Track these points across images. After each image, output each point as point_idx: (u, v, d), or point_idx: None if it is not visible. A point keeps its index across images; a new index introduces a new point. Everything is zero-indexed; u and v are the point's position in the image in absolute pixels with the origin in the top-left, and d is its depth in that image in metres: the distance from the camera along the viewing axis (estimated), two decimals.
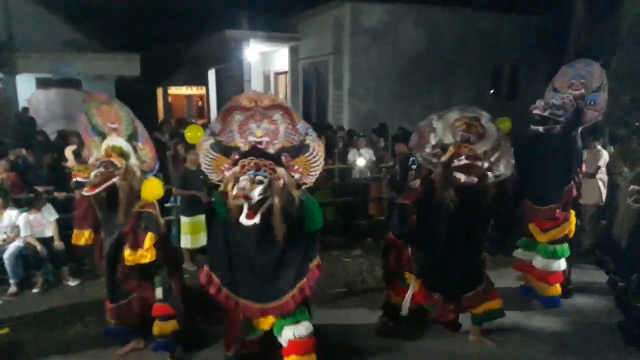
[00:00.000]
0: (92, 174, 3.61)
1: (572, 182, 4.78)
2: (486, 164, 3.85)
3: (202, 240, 6.18)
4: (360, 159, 8.05)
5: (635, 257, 3.97)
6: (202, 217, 6.13)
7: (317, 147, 3.25)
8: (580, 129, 4.80)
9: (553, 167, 4.74)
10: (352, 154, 8.30)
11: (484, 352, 4.10)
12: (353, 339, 4.27)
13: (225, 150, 3.27)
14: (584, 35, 11.43)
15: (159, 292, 3.77)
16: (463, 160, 3.74)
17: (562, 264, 4.89)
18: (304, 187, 3.29)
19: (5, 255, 5.45)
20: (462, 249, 3.95)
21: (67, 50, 14.34)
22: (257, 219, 3.01)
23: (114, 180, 3.62)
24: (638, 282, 3.95)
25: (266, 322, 3.48)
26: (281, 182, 3.13)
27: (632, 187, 3.98)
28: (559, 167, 4.73)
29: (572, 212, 4.90)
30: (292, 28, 13.82)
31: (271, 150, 3.26)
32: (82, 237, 3.87)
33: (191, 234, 6.14)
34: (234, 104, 3.33)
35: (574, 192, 4.85)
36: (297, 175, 3.24)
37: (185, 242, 6.17)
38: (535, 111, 4.75)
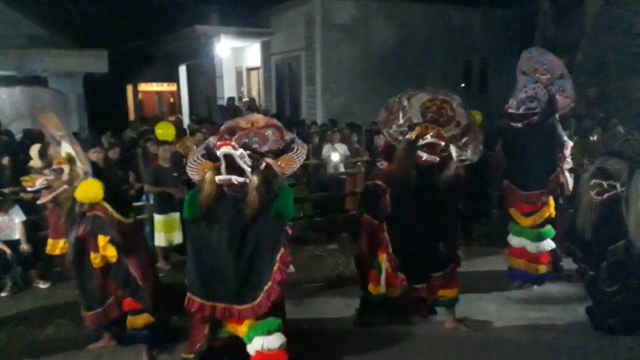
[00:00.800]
0: (38, 182, 3.71)
1: (558, 169, 4.95)
2: (453, 148, 3.90)
3: (177, 238, 6.12)
4: (335, 154, 8.09)
5: (602, 247, 4.07)
6: (175, 215, 6.07)
7: (301, 149, 3.37)
8: (557, 116, 4.94)
9: (536, 155, 4.89)
10: (326, 149, 8.33)
11: (460, 338, 4.17)
12: (329, 332, 4.29)
13: (214, 157, 3.26)
14: (551, 29, 11.68)
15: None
16: (427, 139, 3.79)
17: (549, 244, 5.07)
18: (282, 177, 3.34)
19: None
20: (430, 228, 3.98)
21: (32, 46, 13.90)
22: (234, 178, 3.02)
23: (63, 187, 3.67)
24: (607, 270, 4.06)
25: (237, 328, 3.36)
26: (262, 165, 3.17)
27: (593, 180, 4.07)
28: (542, 154, 4.89)
29: (551, 198, 5.06)
30: (263, 23, 13.72)
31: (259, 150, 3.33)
32: (57, 246, 3.88)
33: (165, 232, 6.06)
34: (232, 124, 3.41)
35: (561, 179, 5.02)
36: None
37: (159, 240, 6.08)
38: (510, 111, 4.87)
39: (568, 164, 6.52)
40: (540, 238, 5.05)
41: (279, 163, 3.31)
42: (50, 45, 14.21)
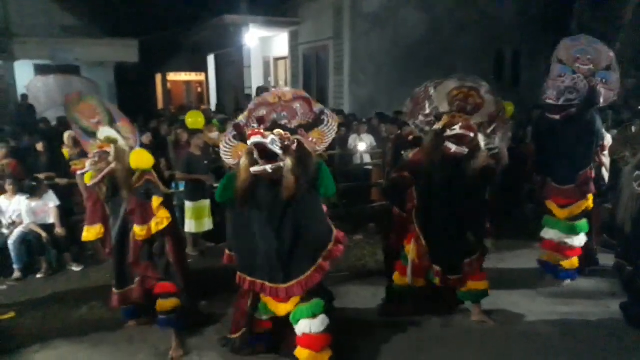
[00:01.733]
0: (88, 163, 3.77)
1: (590, 165, 4.81)
2: (481, 136, 3.82)
3: (206, 225, 6.21)
4: (362, 144, 8.05)
5: None
6: (206, 202, 6.16)
7: (331, 120, 3.36)
8: (596, 109, 4.78)
9: (573, 148, 4.75)
10: (352, 140, 8.29)
11: (486, 330, 4.12)
12: (355, 322, 4.28)
13: (245, 138, 3.29)
14: (587, 19, 11.33)
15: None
16: (456, 130, 3.71)
17: (581, 239, 4.95)
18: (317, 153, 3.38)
19: (10, 241, 5.48)
20: (458, 219, 3.93)
21: (65, 36, 14.24)
22: (268, 167, 3.05)
23: (111, 166, 3.71)
24: None
25: (283, 308, 3.43)
26: (294, 146, 3.20)
27: (636, 172, 3.95)
28: (579, 148, 4.76)
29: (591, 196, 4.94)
30: (291, 12, 13.68)
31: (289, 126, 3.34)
32: (94, 232, 3.95)
33: (195, 219, 6.16)
34: (260, 100, 3.42)
35: (592, 174, 4.88)
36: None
37: (190, 226, 6.17)
38: (548, 101, 4.72)
39: (605, 157, 6.37)
40: (574, 231, 4.93)
41: (311, 139, 3.31)
42: (83, 34, 14.52)
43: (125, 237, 3.81)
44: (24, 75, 14.28)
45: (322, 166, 3.32)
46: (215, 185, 6.13)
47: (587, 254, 5.11)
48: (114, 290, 3.98)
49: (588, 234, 5.03)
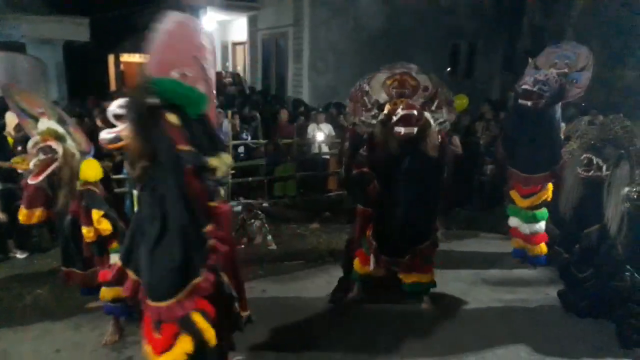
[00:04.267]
0: (32, 164, 3.57)
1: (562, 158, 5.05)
2: (427, 114, 3.96)
3: None
4: (320, 134, 8.09)
5: (578, 230, 4.15)
6: None
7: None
8: (560, 103, 5.07)
9: (539, 138, 5.01)
10: (311, 129, 8.31)
11: (435, 316, 4.27)
12: (308, 310, 4.34)
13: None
14: (538, 16, 11.73)
15: (113, 259, 3.72)
16: (400, 113, 3.81)
17: (542, 226, 5.26)
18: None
19: None
20: (417, 202, 4.01)
21: (11, 11, 13.43)
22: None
23: (56, 164, 3.59)
24: (580, 253, 4.15)
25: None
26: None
27: (583, 155, 4.08)
28: (545, 139, 5.01)
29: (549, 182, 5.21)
30: None
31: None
32: (34, 216, 3.78)
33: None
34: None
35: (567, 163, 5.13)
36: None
37: None
38: (524, 86, 4.94)
39: None
40: (534, 219, 5.23)
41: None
42: (29, 10, 13.75)
43: (76, 229, 3.70)
44: None
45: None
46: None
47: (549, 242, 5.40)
48: (64, 268, 3.90)
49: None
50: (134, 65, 19.31)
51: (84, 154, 3.76)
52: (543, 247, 5.32)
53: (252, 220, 6.06)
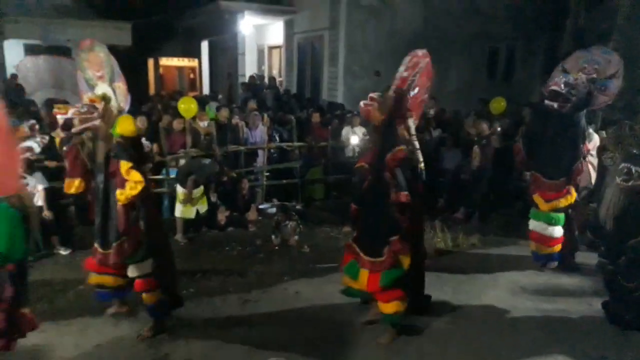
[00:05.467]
0: (71, 112, 3.73)
1: (581, 159, 5.05)
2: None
3: (195, 212, 6.23)
4: (354, 137, 8.06)
5: (622, 241, 4.01)
6: (196, 190, 6.18)
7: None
8: (585, 110, 5.01)
9: (562, 143, 4.96)
10: (345, 132, 8.30)
11: (470, 326, 4.17)
12: (341, 314, 4.32)
13: None
14: (582, 18, 11.37)
15: (131, 271, 3.81)
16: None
17: (557, 231, 5.15)
18: None
19: None
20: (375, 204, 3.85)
21: (57, 16, 14.01)
22: None
23: (95, 122, 3.70)
24: (626, 265, 4.00)
25: None
26: None
27: (622, 165, 3.99)
28: (567, 143, 4.97)
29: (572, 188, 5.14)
30: (287, 1, 13.59)
31: None
32: (72, 185, 3.87)
33: (184, 204, 6.16)
34: None
35: (582, 168, 5.14)
36: None
37: (179, 211, 6.23)
38: (553, 87, 4.89)
39: (593, 157, 6.45)
40: (550, 222, 5.13)
41: None
42: (75, 15, 14.30)
43: (108, 199, 3.77)
44: (14, 55, 14.04)
45: None
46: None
47: (571, 247, 5.34)
48: (98, 249, 3.90)
49: (569, 229, 5.25)
50: (172, 68, 19.81)
51: (121, 112, 3.88)
52: (557, 249, 5.22)
53: (287, 222, 6.09)
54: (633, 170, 3.87)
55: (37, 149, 3.60)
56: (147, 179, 3.90)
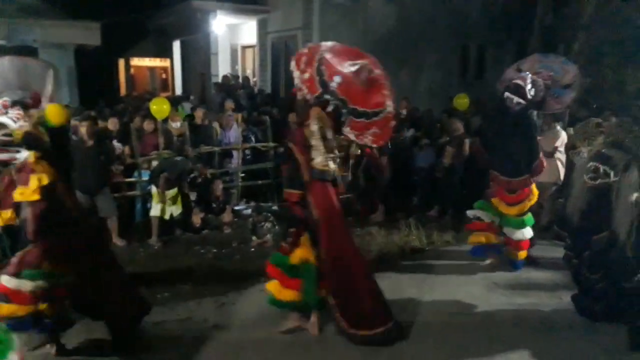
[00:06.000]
0: None
1: (541, 155, 5.13)
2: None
3: (173, 211, 6.22)
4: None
5: (587, 236, 4.10)
6: (172, 191, 6.12)
7: None
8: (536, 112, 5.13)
9: (519, 141, 5.01)
10: None
11: (446, 321, 4.23)
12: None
13: None
14: (550, 17, 11.65)
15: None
16: None
17: (530, 231, 5.24)
18: None
19: None
20: None
21: (23, 16, 13.59)
22: None
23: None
24: (590, 259, 4.10)
25: None
26: None
27: (590, 163, 4.07)
28: (522, 141, 5.01)
29: (534, 186, 5.20)
30: (260, 0, 13.52)
31: None
32: (4, 217, 3.56)
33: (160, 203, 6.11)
34: None
35: (543, 165, 5.20)
36: None
37: (155, 210, 6.15)
38: (518, 81, 4.91)
39: (561, 153, 6.61)
40: (523, 225, 5.18)
41: None
42: (42, 15, 13.91)
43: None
44: None
45: None
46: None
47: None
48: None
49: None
50: (144, 69, 19.50)
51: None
52: (523, 254, 5.26)
53: (262, 223, 6.07)
54: (601, 169, 3.95)
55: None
56: (66, 177, 3.53)
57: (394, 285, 4.89)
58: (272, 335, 3.94)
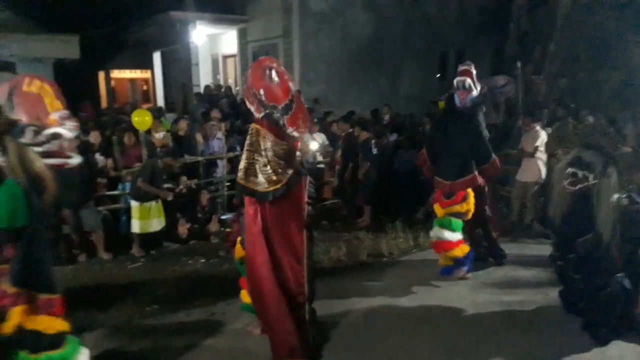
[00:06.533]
0: None
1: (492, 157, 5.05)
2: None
3: (154, 225, 6.13)
4: (314, 143, 8.10)
5: (571, 238, 4.09)
6: (152, 203, 6.07)
7: None
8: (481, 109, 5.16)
9: (462, 143, 4.97)
10: (305, 138, 8.32)
11: (435, 320, 4.27)
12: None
13: None
14: (525, 20, 11.90)
15: None
16: None
17: (455, 236, 5.06)
18: None
19: None
20: None
21: (0, 30, 13.42)
22: None
23: None
24: (575, 261, 4.12)
25: None
26: None
27: (568, 169, 4.05)
28: (468, 142, 4.97)
29: (472, 194, 5.04)
30: (240, 10, 13.56)
31: None
32: None
33: (141, 219, 6.07)
34: None
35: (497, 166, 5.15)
36: None
37: (135, 227, 6.12)
38: (460, 77, 5.14)
39: (542, 153, 6.74)
40: (448, 226, 5.06)
41: None
42: (19, 29, 13.74)
43: None
44: None
45: None
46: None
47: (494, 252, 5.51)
48: None
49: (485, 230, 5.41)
50: (124, 81, 19.35)
51: None
52: (464, 249, 5.11)
53: None
54: (579, 175, 3.95)
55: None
56: None
57: (383, 288, 4.95)
58: (265, 343, 3.92)
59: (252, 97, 3.60)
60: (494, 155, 5.06)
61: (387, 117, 9.73)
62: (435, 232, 5.17)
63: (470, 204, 5.06)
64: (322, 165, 8.22)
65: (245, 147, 3.59)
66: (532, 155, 6.71)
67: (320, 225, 7.08)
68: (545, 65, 11.06)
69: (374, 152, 7.27)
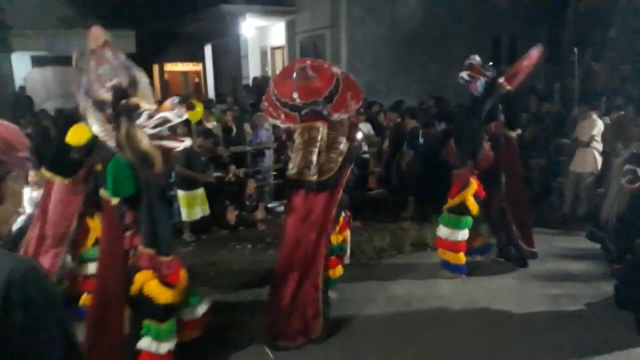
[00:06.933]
0: None
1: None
2: None
3: (198, 213, 6.37)
4: (359, 133, 8.11)
5: (627, 238, 3.96)
6: (197, 191, 6.30)
7: None
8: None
9: (466, 133, 5.02)
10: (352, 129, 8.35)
11: (479, 313, 4.23)
12: (352, 309, 4.39)
13: None
14: (583, 5, 11.35)
15: None
16: None
17: (464, 235, 4.91)
18: None
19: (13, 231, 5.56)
20: None
21: (62, 27, 14.19)
22: None
23: None
24: (633, 262, 3.96)
25: None
26: None
27: (626, 166, 3.92)
28: (469, 132, 5.00)
29: (473, 184, 4.87)
30: (288, 1, 13.66)
31: None
32: None
33: (187, 207, 6.31)
34: None
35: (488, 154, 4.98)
36: None
37: (183, 214, 6.38)
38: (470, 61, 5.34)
39: (598, 142, 6.46)
40: (456, 226, 4.88)
41: None
42: (80, 25, 14.45)
43: None
44: (21, 67, 14.28)
45: None
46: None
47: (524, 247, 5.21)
48: None
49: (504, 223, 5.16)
50: (177, 74, 19.98)
51: None
52: (462, 257, 4.93)
53: None
54: (638, 172, 3.82)
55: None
56: None
57: (429, 278, 4.93)
58: None
59: (277, 110, 3.84)
60: (484, 145, 4.90)
61: (431, 101, 9.60)
62: (442, 231, 4.98)
63: (472, 190, 4.81)
64: (367, 155, 8.22)
65: (296, 147, 3.73)
66: (587, 144, 6.45)
67: (364, 215, 7.11)
68: (606, 51, 10.54)
69: (420, 142, 7.19)
